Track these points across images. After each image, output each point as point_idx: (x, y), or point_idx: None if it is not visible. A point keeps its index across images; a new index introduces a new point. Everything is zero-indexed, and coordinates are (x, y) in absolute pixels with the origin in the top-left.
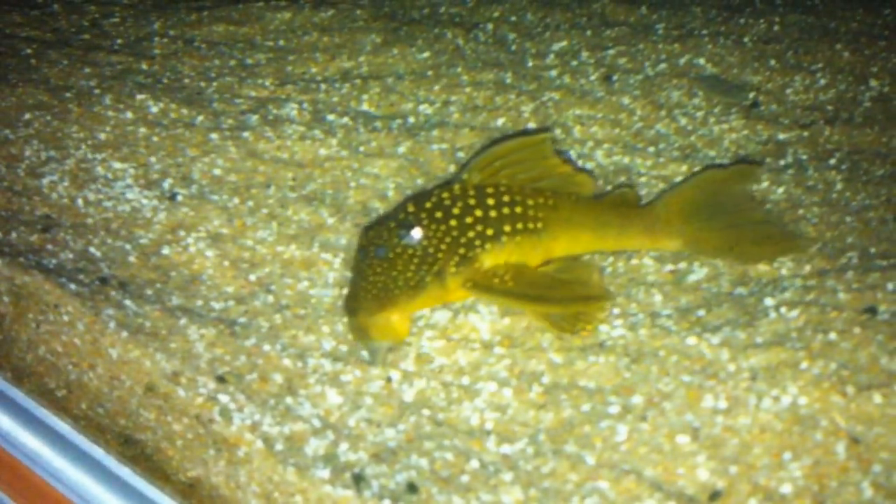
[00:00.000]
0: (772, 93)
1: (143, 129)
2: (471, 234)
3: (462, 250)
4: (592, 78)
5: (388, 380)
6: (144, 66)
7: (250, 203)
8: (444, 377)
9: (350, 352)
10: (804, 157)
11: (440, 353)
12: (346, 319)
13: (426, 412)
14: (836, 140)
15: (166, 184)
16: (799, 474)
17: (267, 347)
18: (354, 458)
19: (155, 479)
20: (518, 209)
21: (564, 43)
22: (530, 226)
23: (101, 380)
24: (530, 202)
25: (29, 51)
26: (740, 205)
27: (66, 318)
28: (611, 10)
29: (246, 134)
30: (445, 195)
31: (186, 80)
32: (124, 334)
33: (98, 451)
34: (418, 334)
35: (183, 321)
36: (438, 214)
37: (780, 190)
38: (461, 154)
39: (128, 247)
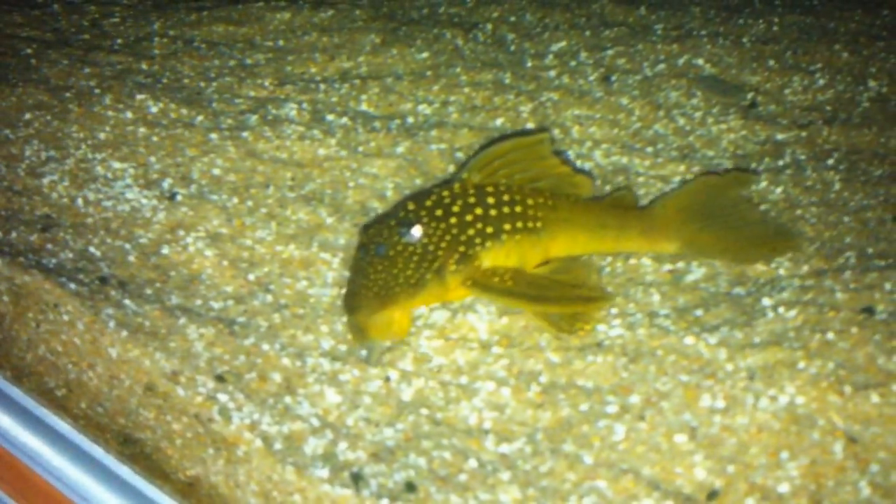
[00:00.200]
0: (770, 93)
1: (142, 129)
2: (471, 231)
3: (462, 248)
4: (591, 78)
5: (387, 379)
6: (144, 66)
7: (249, 203)
8: (442, 377)
9: (349, 351)
10: (802, 157)
11: (438, 353)
12: (345, 318)
13: (424, 411)
14: (835, 140)
15: (166, 183)
16: (796, 473)
17: (266, 347)
18: (353, 458)
19: (154, 478)
20: (518, 208)
21: (563, 43)
22: (530, 225)
23: (100, 379)
24: (530, 202)
25: (29, 51)
26: (736, 207)
27: (65, 317)
28: (610, 11)
29: (245, 134)
30: (445, 194)
31: (186, 80)
32: (124, 333)
33: (97, 450)
34: (416, 334)
35: (182, 320)
36: (438, 212)
37: (778, 190)
38: (460, 154)
39: (127, 246)
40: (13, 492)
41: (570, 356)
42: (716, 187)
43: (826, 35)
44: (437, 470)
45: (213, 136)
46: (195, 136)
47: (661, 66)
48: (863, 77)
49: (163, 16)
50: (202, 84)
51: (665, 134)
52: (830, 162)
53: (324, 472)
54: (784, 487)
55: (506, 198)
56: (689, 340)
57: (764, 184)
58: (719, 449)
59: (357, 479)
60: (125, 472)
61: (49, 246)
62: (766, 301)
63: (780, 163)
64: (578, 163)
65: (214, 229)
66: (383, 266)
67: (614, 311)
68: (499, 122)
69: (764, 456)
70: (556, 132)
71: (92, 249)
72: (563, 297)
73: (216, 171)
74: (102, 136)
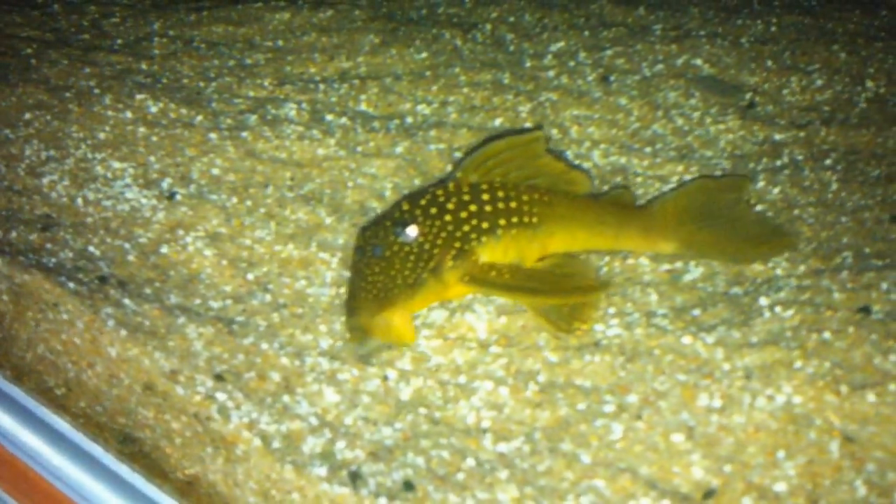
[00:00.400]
0: (768, 93)
1: (142, 129)
2: (466, 227)
3: (458, 244)
4: (590, 78)
5: (385, 378)
6: (144, 66)
7: (249, 202)
8: (440, 376)
9: (347, 350)
10: (800, 157)
11: (437, 352)
12: (343, 319)
13: (423, 411)
14: (832, 141)
15: (165, 183)
16: (793, 473)
17: (264, 346)
18: (351, 456)
19: (153, 477)
20: (513, 204)
21: (562, 44)
22: (525, 220)
23: (100, 378)
24: (525, 198)
25: (29, 51)
26: (733, 209)
27: (65, 316)
28: (608, 11)
29: (244, 134)
30: (440, 193)
31: (185, 80)
32: (123, 333)
33: (97, 449)
34: (416, 333)
35: (181, 320)
36: (433, 211)
37: (776, 190)
38: (459, 154)
39: (127, 246)
40: (13, 490)
41: (568, 355)
42: (713, 190)
43: (824, 36)
44: (436, 469)
45: (213, 135)
46: (195, 136)
47: (660, 67)
48: (861, 78)
49: (162, 16)
50: (202, 84)
51: (663, 134)
52: (828, 162)
53: (322, 471)
54: (781, 486)
55: (500, 194)
56: (687, 340)
57: (762, 184)
58: (716, 448)
59: (355, 478)
60: (124, 470)
61: (49, 245)
62: (764, 301)
63: (778, 163)
64: (577, 163)
65: (213, 229)
66: (380, 268)
67: (612, 310)
68: (497, 122)
69: (761, 455)
70: (555, 132)
71: (91, 249)
72: (561, 288)
73: (215, 171)
74: (102, 135)
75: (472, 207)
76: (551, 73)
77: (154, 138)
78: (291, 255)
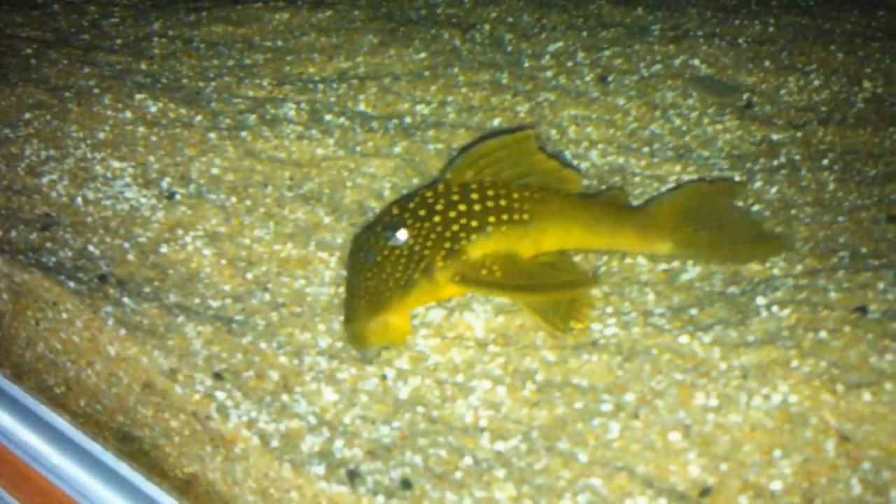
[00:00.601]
0: (766, 94)
1: (141, 129)
2: (455, 227)
3: (448, 244)
4: (588, 79)
5: (383, 377)
6: (143, 66)
7: (248, 202)
8: (438, 375)
9: (345, 350)
10: (797, 157)
11: (435, 352)
12: (341, 322)
13: (421, 409)
14: (830, 141)
15: (164, 183)
16: (789, 471)
17: (263, 345)
18: (349, 455)
19: (152, 475)
20: (503, 202)
21: (560, 44)
22: (516, 217)
23: (99, 377)
24: (516, 195)
25: (29, 51)
26: (728, 212)
27: (64, 315)
28: (607, 12)
29: (244, 133)
30: (429, 194)
31: (185, 80)
32: (122, 332)
33: (96, 448)
34: (413, 333)
35: (180, 319)
36: (422, 213)
37: (773, 190)
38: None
39: (126, 245)
40: (12, 488)
41: (566, 355)
42: (709, 193)
43: (822, 36)
44: (433, 467)
45: (212, 135)
46: (194, 136)
47: (658, 67)
48: (858, 78)
49: (162, 16)
50: (201, 84)
51: (661, 134)
52: (825, 162)
53: (320, 470)
54: (777, 485)
55: (490, 192)
56: (684, 339)
57: (759, 184)
58: (713, 447)
59: (353, 477)
60: (124, 469)
61: (48, 244)
62: (760, 300)
63: (776, 163)
64: (575, 163)
65: (213, 228)
66: (373, 272)
67: (609, 310)
68: (496, 122)
69: (757, 454)
70: (553, 132)
71: (91, 248)
72: (552, 283)
73: (215, 171)
74: (102, 135)
75: (462, 207)
76: (549, 74)
77: (153, 138)
78: (290, 254)
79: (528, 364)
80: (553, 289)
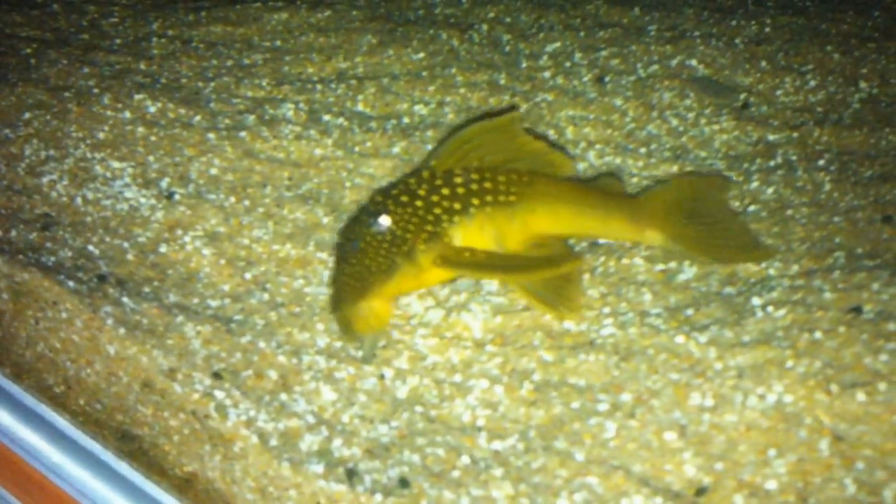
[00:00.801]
0: (762, 94)
1: (141, 129)
2: (437, 210)
3: (430, 227)
4: (585, 79)
5: (382, 377)
6: (143, 66)
7: (247, 202)
8: (436, 374)
9: (344, 349)
10: (793, 157)
11: (433, 351)
12: (329, 311)
13: (419, 409)
14: (826, 141)
15: (164, 183)
16: (784, 471)
17: (262, 344)
18: (348, 454)
19: (152, 474)
20: (487, 184)
21: (558, 44)
22: (501, 199)
23: (99, 376)
24: (501, 178)
25: (29, 51)
26: (718, 210)
27: (64, 315)
28: (604, 12)
29: (243, 134)
30: (412, 181)
31: (184, 80)
32: (122, 331)
33: (96, 447)
34: (411, 332)
35: (180, 318)
36: (405, 199)
37: (770, 190)
38: None
39: (126, 245)
40: (12, 487)
41: (563, 354)
42: (698, 188)
43: (818, 36)
44: (431, 466)
45: (211, 135)
46: (193, 136)
47: (655, 67)
48: (854, 78)
49: (161, 16)
50: (200, 84)
51: (658, 134)
52: (821, 163)
53: (319, 468)
54: (772, 484)
55: (474, 176)
56: (680, 339)
57: (756, 184)
58: (708, 446)
59: (352, 475)
60: (123, 467)
61: (48, 244)
62: (756, 300)
63: (772, 163)
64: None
65: (212, 228)
66: (357, 259)
67: (606, 310)
68: None
69: (752, 453)
70: (551, 133)
71: (91, 248)
72: (533, 261)
73: (214, 171)
74: (101, 135)
75: (445, 191)
76: (547, 74)
77: (153, 138)
78: (289, 254)
79: (525, 364)
80: (536, 267)
